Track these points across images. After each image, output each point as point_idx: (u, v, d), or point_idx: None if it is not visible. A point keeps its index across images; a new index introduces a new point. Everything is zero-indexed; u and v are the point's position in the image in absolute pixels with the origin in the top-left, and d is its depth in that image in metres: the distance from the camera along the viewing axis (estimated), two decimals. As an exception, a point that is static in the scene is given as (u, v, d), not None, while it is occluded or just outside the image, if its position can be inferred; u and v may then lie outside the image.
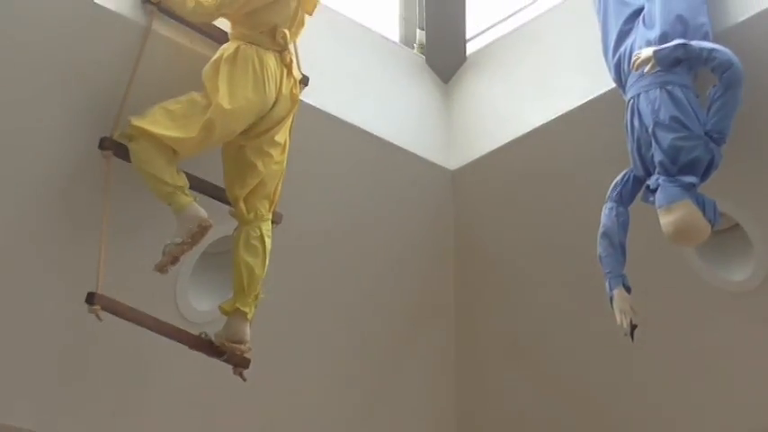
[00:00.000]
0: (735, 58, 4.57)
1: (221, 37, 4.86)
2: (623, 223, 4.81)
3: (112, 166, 4.65)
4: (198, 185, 4.77)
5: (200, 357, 4.80)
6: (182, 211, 4.56)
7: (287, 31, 4.82)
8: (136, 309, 4.66)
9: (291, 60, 4.87)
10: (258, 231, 4.82)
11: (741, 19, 4.78)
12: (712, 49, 4.60)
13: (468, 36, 6.16)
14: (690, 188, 4.55)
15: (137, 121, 4.56)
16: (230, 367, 4.83)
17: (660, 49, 4.67)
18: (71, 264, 4.85)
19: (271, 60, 4.77)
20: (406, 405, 6.15)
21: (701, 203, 4.55)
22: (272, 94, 4.76)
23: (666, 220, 4.56)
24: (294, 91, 4.88)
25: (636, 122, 4.77)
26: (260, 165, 4.79)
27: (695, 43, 4.64)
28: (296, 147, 4.97)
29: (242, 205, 4.81)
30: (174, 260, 4.60)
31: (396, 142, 5.64)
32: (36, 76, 4.59)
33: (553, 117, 5.41)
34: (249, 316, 4.78)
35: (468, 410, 6.29)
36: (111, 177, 4.64)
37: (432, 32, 6.12)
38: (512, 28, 5.93)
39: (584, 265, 5.18)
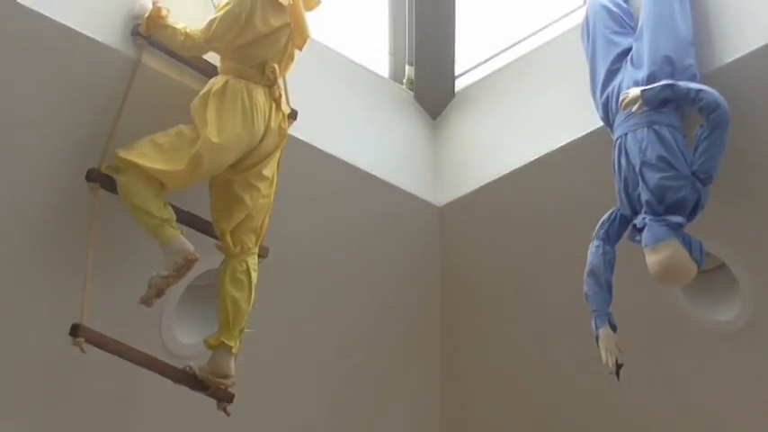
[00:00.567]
0: (721, 100, 4.60)
1: (211, 71, 4.87)
2: (610, 262, 4.82)
3: (99, 198, 4.64)
4: (185, 218, 4.77)
5: (185, 390, 4.77)
6: (168, 244, 4.55)
7: (276, 66, 4.84)
8: (120, 341, 4.64)
9: (280, 95, 4.88)
10: (244, 265, 4.81)
11: (728, 61, 4.80)
12: (699, 90, 4.63)
13: (456, 73, 6.18)
14: (676, 228, 4.56)
15: (124, 154, 4.56)
16: (215, 401, 4.81)
17: (648, 89, 4.69)
18: (56, 295, 4.82)
19: (260, 94, 4.78)
20: (390, 438, 6.15)
21: (688, 243, 4.56)
22: (260, 129, 4.76)
23: (653, 259, 4.56)
24: (283, 125, 4.89)
25: (623, 161, 4.79)
26: (247, 199, 4.79)
27: (683, 84, 4.67)
28: (284, 181, 4.98)
29: (229, 239, 4.81)
30: (160, 293, 4.58)
31: (384, 177, 5.66)
32: (24, 106, 4.58)
33: (541, 154, 5.42)
34: (234, 350, 4.77)
35: (452, 444, 6.28)
36: (97, 209, 4.63)
37: (421, 68, 6.14)
38: (501, 65, 5.96)
39: (570, 303, 5.18)
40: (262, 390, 5.40)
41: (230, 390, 4.79)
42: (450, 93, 6.13)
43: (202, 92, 4.74)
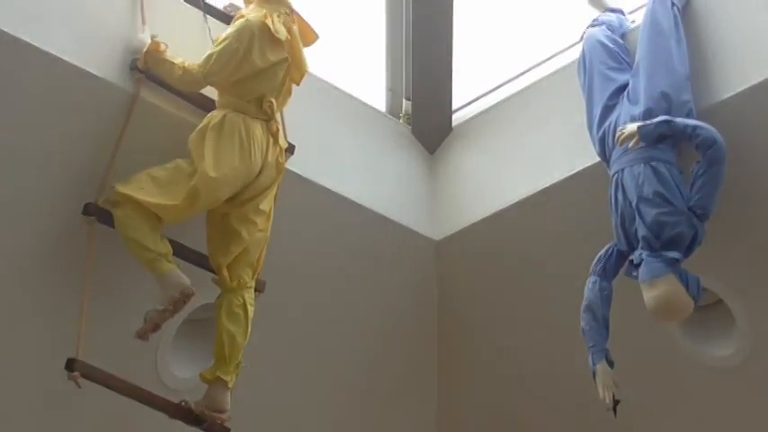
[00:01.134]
0: (718, 136, 4.61)
1: (208, 105, 4.89)
2: (607, 297, 4.81)
3: (96, 232, 4.64)
4: (181, 252, 4.76)
5: (180, 425, 4.75)
6: (164, 277, 4.54)
7: (274, 101, 4.85)
8: (116, 376, 4.62)
9: (278, 129, 4.89)
10: (241, 299, 4.80)
11: (724, 97, 4.82)
12: (696, 126, 4.64)
13: (453, 107, 6.20)
14: (673, 263, 4.56)
15: (121, 188, 4.56)
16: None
17: (644, 125, 4.70)
18: (52, 328, 4.81)
19: (257, 129, 4.79)
20: (387, 475, 6.12)
21: (685, 279, 4.56)
22: (257, 163, 4.77)
23: (649, 295, 4.56)
24: (280, 159, 4.90)
25: (620, 197, 4.79)
26: (244, 233, 4.79)
27: (679, 120, 4.68)
28: (281, 215, 4.98)
29: (225, 273, 4.80)
30: (156, 327, 4.58)
31: (380, 212, 5.66)
32: (22, 140, 4.59)
33: (537, 189, 5.43)
34: (230, 384, 4.75)
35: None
36: (94, 243, 4.63)
37: (418, 103, 6.16)
38: (498, 100, 5.97)
39: (567, 337, 5.16)
40: (259, 421, 5.37)
41: (226, 424, 4.75)
42: (448, 127, 6.15)
43: (200, 126, 4.75)
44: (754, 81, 4.73)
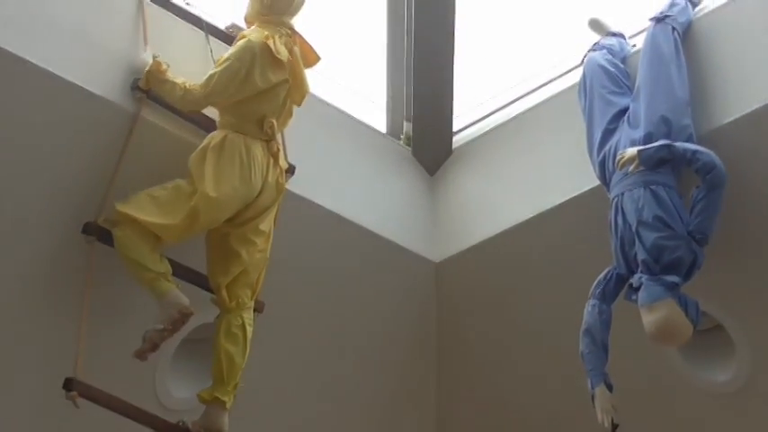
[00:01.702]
0: (718, 161, 4.62)
1: (209, 125, 4.89)
2: (606, 321, 4.80)
3: (95, 251, 4.64)
4: (180, 272, 4.76)
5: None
6: (163, 297, 4.54)
7: (275, 121, 4.86)
8: (114, 396, 4.61)
9: (278, 150, 4.90)
10: (240, 320, 4.80)
11: (724, 122, 4.84)
12: (696, 151, 4.65)
13: (454, 129, 6.20)
14: (673, 288, 4.56)
15: (121, 207, 4.56)
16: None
17: (644, 149, 4.71)
18: (50, 348, 4.80)
19: (258, 149, 4.80)
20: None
21: (684, 303, 4.55)
22: (257, 183, 4.78)
23: (649, 319, 4.55)
24: (280, 180, 4.90)
25: (619, 220, 4.80)
26: (243, 253, 4.79)
27: (679, 144, 4.69)
28: (280, 235, 4.98)
29: (224, 293, 4.80)
30: (154, 347, 4.57)
31: (380, 233, 5.66)
32: (22, 158, 4.60)
33: (537, 212, 5.44)
34: (228, 405, 4.74)
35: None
36: (93, 262, 4.63)
37: (418, 125, 6.16)
38: (498, 122, 5.98)
39: (566, 360, 5.15)
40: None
41: (223, 445, 4.75)
42: (448, 149, 6.15)
43: (201, 146, 4.76)
44: (754, 106, 4.75)
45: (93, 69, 4.62)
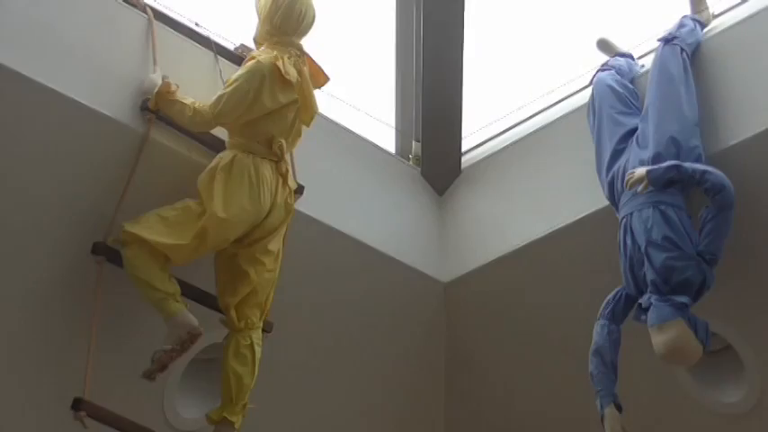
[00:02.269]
0: (727, 181, 4.62)
1: (218, 145, 4.90)
2: (615, 341, 4.80)
3: (104, 271, 4.65)
4: (189, 292, 4.76)
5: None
6: (172, 317, 4.54)
7: (284, 142, 4.87)
8: (122, 416, 4.61)
9: (287, 170, 4.90)
10: (248, 340, 4.79)
11: (733, 142, 4.84)
12: (705, 171, 4.65)
13: (463, 149, 6.21)
14: (682, 308, 4.55)
15: (130, 227, 4.57)
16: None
17: (653, 170, 4.71)
18: (59, 368, 4.80)
19: (267, 170, 4.80)
20: None
21: (694, 324, 4.55)
22: (266, 204, 4.78)
23: (658, 339, 4.55)
24: (289, 200, 4.91)
25: (628, 241, 4.79)
26: (252, 273, 4.79)
27: (688, 165, 4.69)
28: (289, 256, 4.98)
29: (233, 313, 4.79)
30: (163, 367, 4.56)
31: (389, 253, 5.66)
32: (31, 179, 4.61)
33: (546, 232, 5.43)
34: (237, 425, 4.73)
35: None
36: (102, 282, 4.63)
37: (427, 145, 6.16)
38: (507, 143, 5.98)
39: (576, 381, 5.15)
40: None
41: (231, 466, 4.74)
42: (457, 169, 6.15)
43: (210, 166, 4.76)
44: (763, 127, 4.76)
45: (102, 90, 4.64)
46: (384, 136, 6.19)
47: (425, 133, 6.18)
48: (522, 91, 6.27)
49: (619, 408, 4.72)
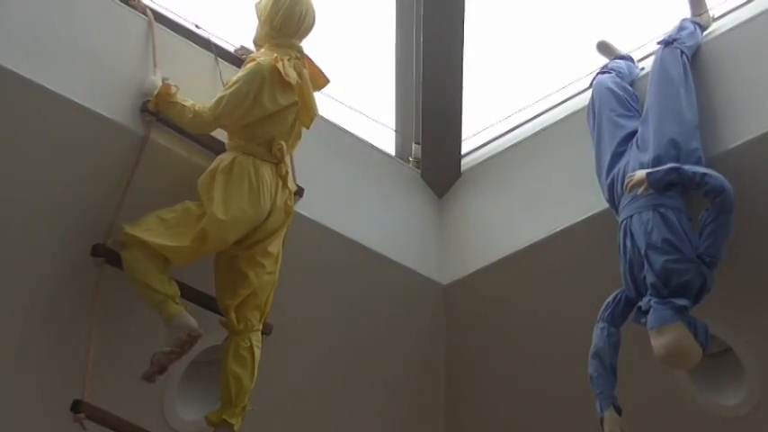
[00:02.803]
0: (727, 184, 4.62)
1: (218, 147, 4.90)
2: (614, 344, 4.79)
3: (104, 273, 4.64)
4: (189, 294, 4.76)
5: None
6: (172, 319, 4.54)
7: (284, 144, 4.86)
8: (122, 418, 4.60)
9: (287, 172, 4.90)
10: (248, 342, 4.79)
11: (733, 145, 4.84)
12: (705, 174, 4.65)
13: (463, 152, 6.21)
14: (682, 311, 4.55)
15: (130, 229, 4.57)
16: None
17: (653, 172, 4.71)
18: (58, 370, 4.80)
19: (267, 172, 4.80)
20: None
21: (693, 326, 4.54)
22: (266, 206, 4.78)
23: (658, 342, 4.54)
24: (289, 202, 4.91)
25: (628, 243, 4.79)
26: (252, 275, 4.79)
27: (688, 167, 4.69)
28: (289, 258, 4.98)
29: (233, 315, 4.79)
30: (162, 369, 4.56)
31: (389, 255, 5.65)
32: (31, 181, 4.61)
33: (546, 235, 5.43)
34: (236, 427, 4.73)
35: None
36: (101, 284, 4.63)
37: (427, 147, 6.17)
38: (507, 145, 5.98)
39: (575, 383, 5.14)
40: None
41: (230, 468, 4.74)
42: (457, 172, 6.16)
43: (210, 168, 4.76)
44: (764, 129, 4.76)
45: (102, 92, 4.64)
46: (384, 138, 6.19)
47: (425, 135, 6.18)
48: (522, 93, 6.28)
49: (618, 410, 4.72)
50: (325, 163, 5.51)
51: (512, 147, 5.94)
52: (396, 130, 6.29)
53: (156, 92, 4.73)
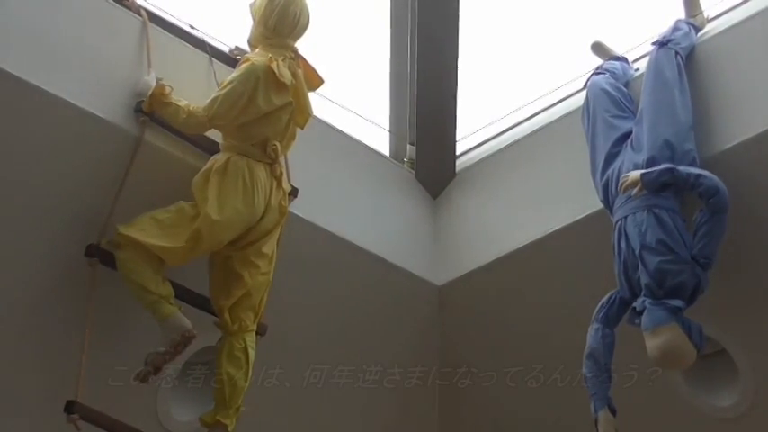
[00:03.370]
0: (721, 185, 4.62)
1: (212, 148, 4.90)
2: (609, 345, 4.79)
3: (98, 274, 4.64)
4: (183, 295, 4.76)
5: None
6: (166, 320, 4.54)
7: (278, 144, 4.86)
8: (115, 419, 4.60)
9: (281, 172, 4.90)
10: (242, 342, 4.79)
11: (727, 146, 4.84)
12: (699, 175, 4.65)
13: (457, 152, 6.21)
14: (676, 312, 4.54)
15: (124, 230, 4.56)
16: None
17: (647, 173, 4.71)
18: (51, 371, 4.79)
19: (261, 172, 4.80)
20: None
21: (688, 327, 4.54)
22: (260, 206, 4.78)
23: (652, 343, 4.54)
24: (283, 203, 4.90)
25: (623, 244, 4.79)
26: (246, 276, 4.79)
27: (682, 168, 4.69)
28: (283, 258, 4.98)
29: (227, 316, 4.79)
30: (156, 370, 4.56)
31: (383, 256, 5.65)
32: (25, 180, 4.61)
33: (540, 236, 5.43)
34: (230, 428, 4.73)
35: None
36: (95, 285, 4.62)
37: (422, 148, 6.17)
38: (501, 146, 5.98)
39: (571, 384, 5.15)
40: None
41: (224, 469, 4.74)
42: (451, 172, 6.16)
43: (204, 169, 4.76)
44: (758, 130, 4.76)
45: (96, 92, 4.63)
46: (378, 139, 6.19)
47: (420, 136, 6.18)
48: (517, 94, 6.28)
49: (613, 411, 4.72)
50: (320, 163, 5.51)
51: (506, 148, 5.93)
52: (390, 131, 6.29)
53: (150, 92, 4.72)
